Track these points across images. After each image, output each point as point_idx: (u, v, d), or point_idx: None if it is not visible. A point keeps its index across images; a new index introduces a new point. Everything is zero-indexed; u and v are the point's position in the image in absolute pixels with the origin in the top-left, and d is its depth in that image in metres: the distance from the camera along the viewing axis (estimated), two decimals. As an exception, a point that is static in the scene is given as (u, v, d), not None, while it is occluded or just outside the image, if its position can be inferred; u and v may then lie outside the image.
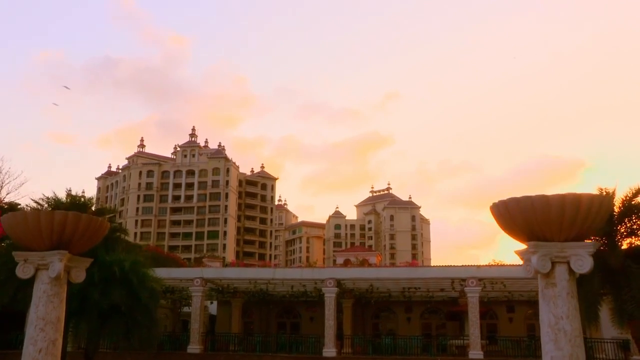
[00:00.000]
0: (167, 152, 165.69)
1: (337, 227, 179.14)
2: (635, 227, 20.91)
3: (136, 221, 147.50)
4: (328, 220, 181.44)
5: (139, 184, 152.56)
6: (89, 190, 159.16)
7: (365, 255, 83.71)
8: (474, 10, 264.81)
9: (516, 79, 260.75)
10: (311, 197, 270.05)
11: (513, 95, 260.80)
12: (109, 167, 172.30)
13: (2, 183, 41.16)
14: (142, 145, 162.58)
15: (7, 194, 40.83)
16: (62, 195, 26.93)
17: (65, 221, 8.65)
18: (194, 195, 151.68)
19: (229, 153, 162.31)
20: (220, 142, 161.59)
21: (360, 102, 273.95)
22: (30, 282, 9.21)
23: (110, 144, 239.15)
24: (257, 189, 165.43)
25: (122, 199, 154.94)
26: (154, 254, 40.26)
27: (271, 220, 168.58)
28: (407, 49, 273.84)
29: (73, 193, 29.09)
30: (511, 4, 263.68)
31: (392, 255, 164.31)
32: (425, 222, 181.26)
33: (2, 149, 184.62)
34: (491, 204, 7.86)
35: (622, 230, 21.03)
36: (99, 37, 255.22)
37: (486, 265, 36.73)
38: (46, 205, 25.27)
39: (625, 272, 19.39)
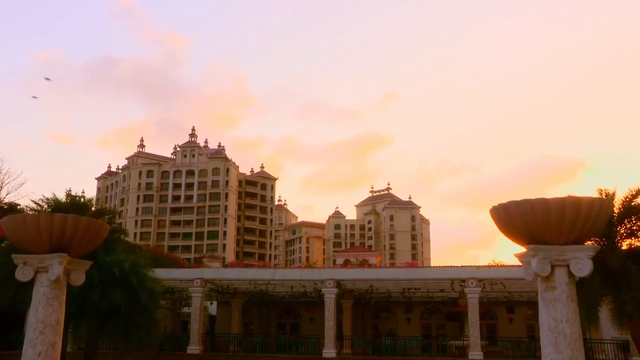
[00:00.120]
0: (166, 152, 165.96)
1: (337, 227, 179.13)
2: (635, 228, 20.91)
3: (136, 221, 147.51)
4: (328, 221, 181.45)
5: (139, 184, 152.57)
6: (89, 190, 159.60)
7: (365, 256, 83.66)
8: (473, 10, 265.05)
9: (516, 79, 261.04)
10: (311, 197, 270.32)
11: (513, 95, 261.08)
12: (109, 167, 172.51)
13: (2, 183, 41.17)
14: (142, 145, 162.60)
15: (7, 194, 40.84)
16: (61, 196, 26.99)
17: (65, 224, 8.64)
18: (194, 195, 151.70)
19: (229, 153, 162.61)
20: (220, 142, 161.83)
21: (360, 102, 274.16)
22: (30, 283, 9.20)
23: (109, 144, 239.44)
24: (257, 189, 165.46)
25: (122, 199, 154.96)
26: (153, 254, 40.29)
27: (271, 220, 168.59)
28: (407, 49, 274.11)
29: (73, 193, 29.19)
30: (511, 4, 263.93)
31: (392, 256, 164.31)
32: (425, 222, 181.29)
33: (2, 149, 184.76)
34: (491, 208, 7.85)
35: (622, 231, 21.03)
36: (99, 36, 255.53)
37: (486, 265, 36.72)
38: (46, 206, 25.28)
39: (625, 273, 19.40)
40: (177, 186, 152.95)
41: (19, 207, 34.79)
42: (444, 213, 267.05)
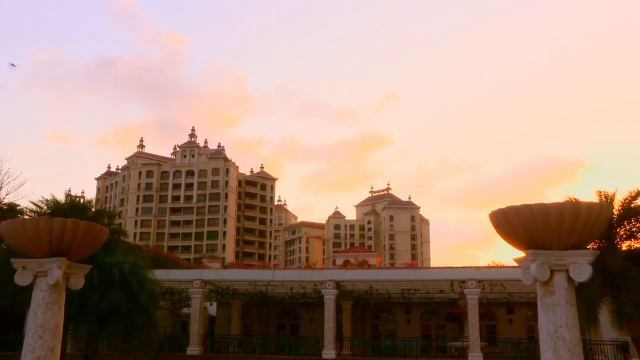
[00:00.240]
0: (166, 152, 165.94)
1: (337, 227, 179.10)
2: (634, 229, 20.94)
3: (136, 222, 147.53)
4: (327, 221, 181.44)
5: (139, 184, 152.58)
6: (89, 190, 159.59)
7: (365, 256, 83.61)
8: (473, 10, 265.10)
9: (516, 79, 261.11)
10: (311, 197, 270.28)
11: (513, 95, 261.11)
12: (109, 167, 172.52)
13: (2, 184, 41.09)
14: (141, 146, 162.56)
15: (7, 194, 40.74)
16: (61, 198, 26.99)
17: (64, 228, 8.63)
18: (194, 195, 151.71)
19: (229, 153, 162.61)
20: (219, 143, 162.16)
21: (360, 102, 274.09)
22: (29, 284, 9.19)
23: (109, 144, 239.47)
24: (257, 189, 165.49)
25: (122, 199, 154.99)
26: (153, 254, 40.26)
27: (271, 220, 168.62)
28: (407, 49, 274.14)
29: (72, 194, 29.19)
30: (511, 4, 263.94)
31: (392, 256, 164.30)
32: (424, 222, 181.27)
33: (1, 149, 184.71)
34: (490, 213, 7.86)
35: (622, 233, 21.06)
36: (98, 36, 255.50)
37: (485, 266, 36.72)
38: (45, 208, 25.29)
39: (625, 275, 19.42)
40: (176, 186, 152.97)
41: (18, 207, 34.75)
42: (443, 213, 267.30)
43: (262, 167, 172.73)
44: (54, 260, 8.77)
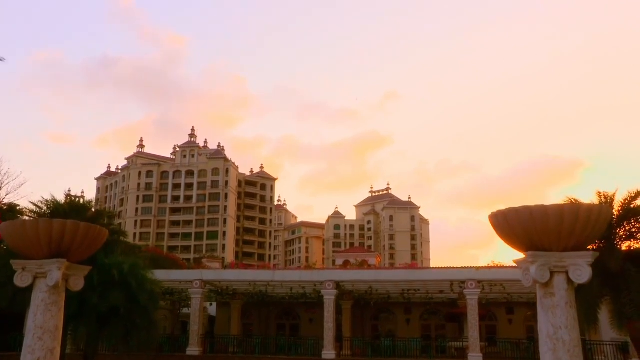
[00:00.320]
0: (166, 152, 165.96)
1: (337, 227, 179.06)
2: (634, 230, 20.96)
3: (135, 222, 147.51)
4: (327, 221, 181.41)
5: (139, 184, 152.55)
6: (89, 190, 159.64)
7: (365, 256, 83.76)
8: (473, 10, 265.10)
9: (516, 79, 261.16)
10: (310, 197, 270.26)
11: (513, 95, 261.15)
12: (109, 167, 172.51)
13: (2, 184, 41.06)
14: (141, 146, 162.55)
15: (7, 194, 40.70)
16: (60, 198, 26.96)
17: (64, 230, 8.63)
18: (194, 195, 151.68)
19: (228, 153, 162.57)
20: (219, 143, 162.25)
21: (360, 102, 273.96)
22: (29, 286, 9.18)
23: (109, 144, 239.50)
24: (257, 190, 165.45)
25: (122, 200, 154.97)
26: (153, 254, 40.28)
27: (270, 220, 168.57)
28: (407, 49, 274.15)
29: (72, 194, 29.15)
30: (511, 5, 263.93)
31: (392, 256, 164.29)
32: (424, 222, 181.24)
33: (1, 149, 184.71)
34: (490, 214, 7.86)
35: (621, 234, 21.07)
36: (98, 36, 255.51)
37: (485, 267, 36.72)
38: (45, 208, 25.26)
39: (625, 275, 19.44)
40: (176, 186, 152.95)
41: (18, 208, 34.70)
42: (443, 213, 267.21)
43: (261, 167, 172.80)
44: (54, 261, 8.76)
